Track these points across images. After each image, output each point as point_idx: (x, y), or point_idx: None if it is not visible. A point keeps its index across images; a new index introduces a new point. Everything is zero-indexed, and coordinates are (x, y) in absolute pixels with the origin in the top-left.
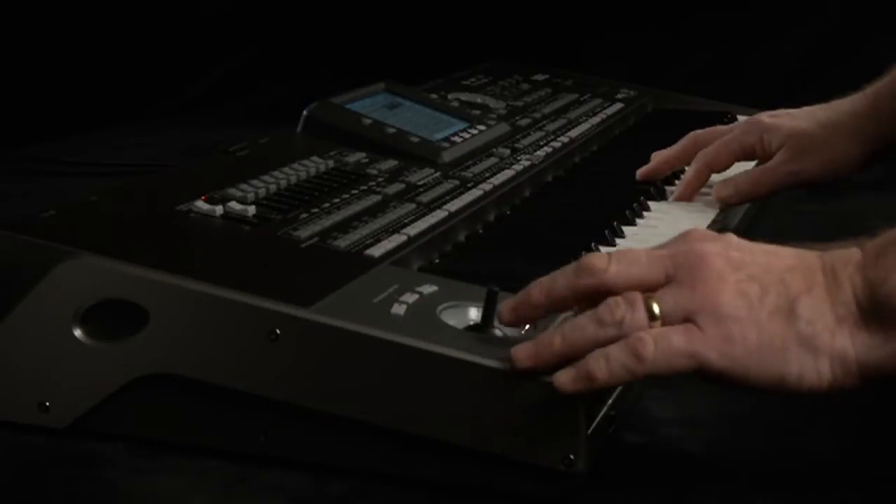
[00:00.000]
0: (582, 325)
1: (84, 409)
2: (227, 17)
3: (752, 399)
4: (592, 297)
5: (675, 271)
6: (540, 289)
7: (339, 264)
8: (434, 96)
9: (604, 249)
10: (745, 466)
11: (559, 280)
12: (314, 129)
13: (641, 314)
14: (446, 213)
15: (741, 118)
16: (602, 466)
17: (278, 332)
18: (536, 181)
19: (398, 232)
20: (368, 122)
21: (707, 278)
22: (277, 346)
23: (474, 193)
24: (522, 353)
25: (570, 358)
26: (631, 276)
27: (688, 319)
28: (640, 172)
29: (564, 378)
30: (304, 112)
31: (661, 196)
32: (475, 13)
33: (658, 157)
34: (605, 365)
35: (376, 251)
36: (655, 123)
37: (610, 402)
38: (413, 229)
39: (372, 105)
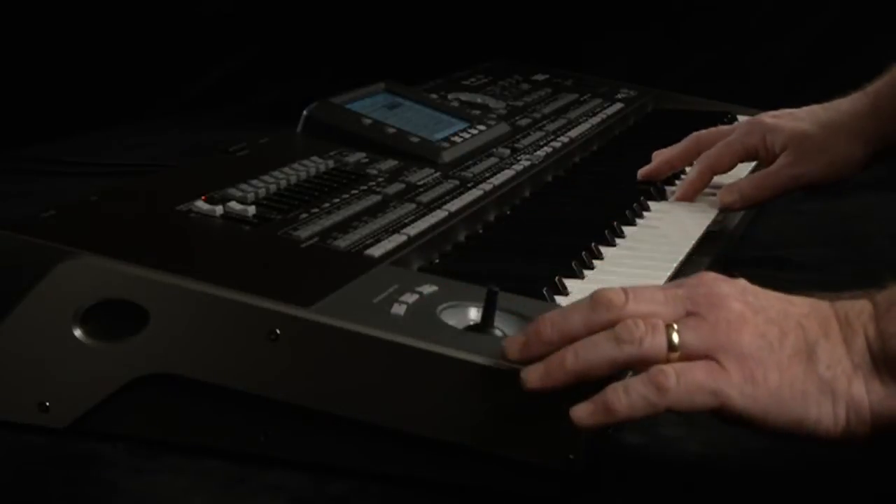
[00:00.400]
0: (597, 343)
1: (84, 409)
2: (227, 17)
3: None
4: None
5: (696, 309)
6: (552, 325)
7: (339, 264)
8: (434, 96)
9: (603, 249)
10: (745, 467)
11: (572, 316)
12: (314, 129)
13: (662, 339)
14: (446, 213)
15: (741, 118)
16: (602, 466)
17: (278, 332)
18: (536, 181)
19: (398, 232)
20: (368, 122)
21: (729, 318)
22: (277, 346)
23: (474, 193)
24: (533, 375)
25: (583, 379)
26: (651, 314)
27: (708, 356)
28: (642, 172)
29: (582, 413)
30: (304, 112)
31: (662, 196)
32: (475, 13)
33: (660, 156)
34: (624, 397)
35: (376, 251)
36: (655, 123)
37: None
38: (413, 229)
39: (372, 105)
